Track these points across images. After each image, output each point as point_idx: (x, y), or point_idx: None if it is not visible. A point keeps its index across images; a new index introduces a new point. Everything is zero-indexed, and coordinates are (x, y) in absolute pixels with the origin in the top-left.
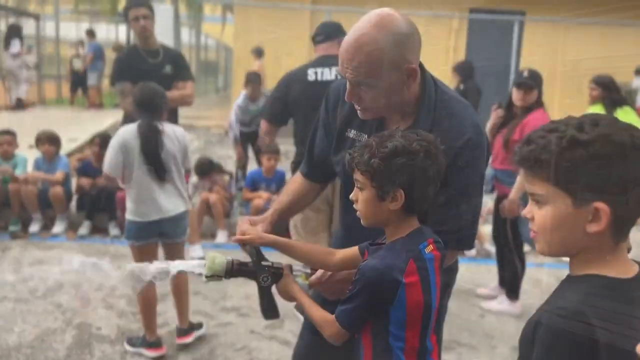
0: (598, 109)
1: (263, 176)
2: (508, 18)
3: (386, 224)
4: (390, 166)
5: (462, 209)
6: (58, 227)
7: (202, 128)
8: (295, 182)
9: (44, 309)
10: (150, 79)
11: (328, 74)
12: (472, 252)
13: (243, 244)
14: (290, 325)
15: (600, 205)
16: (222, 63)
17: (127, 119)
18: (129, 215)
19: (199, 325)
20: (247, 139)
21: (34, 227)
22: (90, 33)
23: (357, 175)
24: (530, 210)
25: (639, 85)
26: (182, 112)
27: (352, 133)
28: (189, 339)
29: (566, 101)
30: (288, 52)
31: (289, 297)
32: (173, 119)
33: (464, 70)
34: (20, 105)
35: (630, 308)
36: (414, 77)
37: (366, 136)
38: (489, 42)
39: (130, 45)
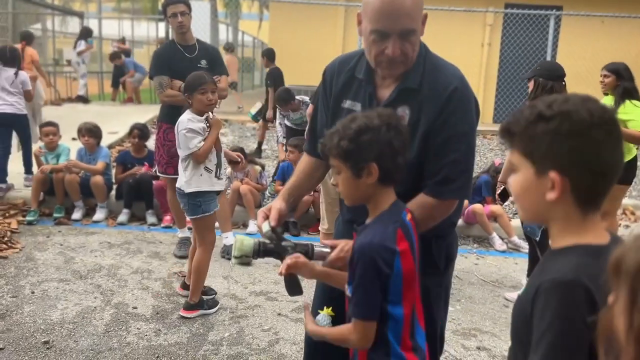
0: (609, 101)
1: (293, 168)
2: (544, 12)
3: (367, 199)
4: (359, 144)
5: (454, 157)
6: (99, 215)
7: (237, 123)
8: (302, 162)
9: (84, 289)
10: (186, 73)
11: None
12: (502, 246)
13: (272, 227)
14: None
15: (554, 174)
16: (259, 59)
17: (164, 111)
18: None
19: (210, 305)
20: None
21: (77, 215)
22: (119, 55)
23: (332, 161)
24: (511, 178)
25: None
26: (219, 107)
27: (346, 103)
28: (191, 314)
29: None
30: (323, 48)
31: (312, 275)
32: None
33: (269, 54)
34: (83, 99)
35: None
36: (424, 25)
37: (360, 105)
38: (524, 37)
39: (169, 40)
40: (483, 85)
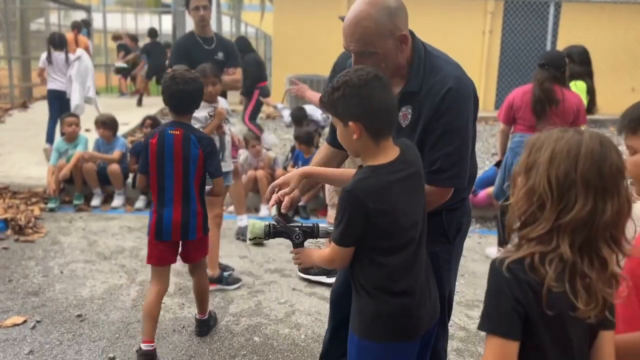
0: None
1: (304, 157)
2: (544, 0)
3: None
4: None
5: (448, 150)
6: (117, 201)
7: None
8: (320, 151)
9: (109, 269)
10: (203, 63)
11: None
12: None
13: (279, 211)
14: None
15: (352, 123)
16: (262, 50)
17: None
18: None
19: (230, 282)
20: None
21: (95, 202)
22: (134, 38)
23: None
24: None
25: None
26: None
27: None
28: (210, 287)
29: (602, 81)
30: (326, 38)
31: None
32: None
33: (242, 45)
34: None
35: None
36: (405, 43)
37: None
38: (525, 24)
39: (188, 32)
40: (485, 73)
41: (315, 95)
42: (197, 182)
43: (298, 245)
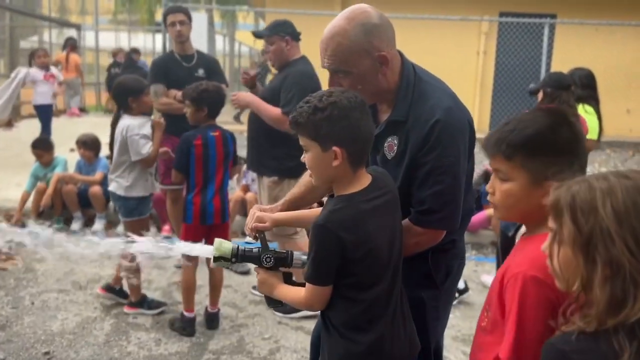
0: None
1: None
2: (538, 21)
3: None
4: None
5: (437, 189)
6: (98, 225)
7: (236, 132)
8: (303, 180)
9: (84, 299)
10: (183, 82)
11: None
12: None
13: (258, 232)
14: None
15: (336, 149)
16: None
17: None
18: None
19: (151, 306)
20: None
21: (75, 225)
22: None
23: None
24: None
25: None
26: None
27: None
28: (131, 311)
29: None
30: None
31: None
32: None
33: None
34: (83, 111)
35: None
36: (386, 65)
37: None
38: (519, 45)
39: (168, 50)
40: (479, 93)
41: (260, 103)
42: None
43: (267, 269)
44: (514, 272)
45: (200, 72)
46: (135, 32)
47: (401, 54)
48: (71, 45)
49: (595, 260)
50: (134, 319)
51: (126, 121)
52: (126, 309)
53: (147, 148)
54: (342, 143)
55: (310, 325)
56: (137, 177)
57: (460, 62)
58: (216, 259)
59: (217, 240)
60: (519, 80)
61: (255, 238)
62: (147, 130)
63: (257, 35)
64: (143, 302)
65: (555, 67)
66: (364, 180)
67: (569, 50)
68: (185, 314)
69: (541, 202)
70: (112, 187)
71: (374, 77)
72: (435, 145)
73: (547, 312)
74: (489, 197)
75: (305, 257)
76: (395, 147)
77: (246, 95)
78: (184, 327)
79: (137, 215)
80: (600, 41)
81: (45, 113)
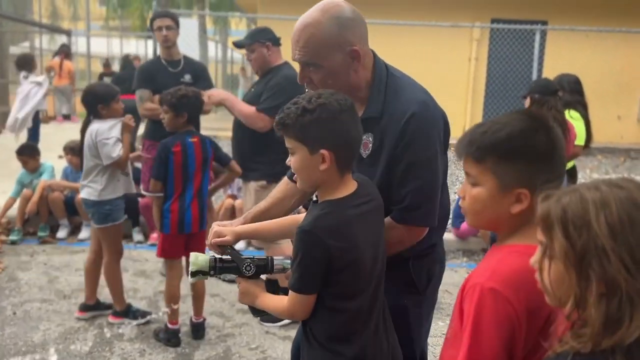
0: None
1: None
2: (529, 27)
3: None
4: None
5: (417, 184)
6: (84, 233)
7: (226, 139)
8: (278, 187)
9: (68, 309)
10: (169, 88)
11: None
12: None
13: (220, 246)
14: None
15: (325, 152)
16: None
17: (147, 127)
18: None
19: (136, 316)
20: None
21: (62, 233)
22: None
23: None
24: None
25: None
26: (207, 123)
27: None
28: (116, 321)
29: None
30: None
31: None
32: (195, 127)
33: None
34: (67, 118)
35: None
36: (358, 60)
37: None
38: (511, 51)
39: (155, 56)
40: (471, 99)
41: (237, 101)
42: (207, 178)
43: (249, 278)
44: (473, 283)
45: (187, 77)
46: (127, 38)
47: (373, 52)
48: (64, 52)
49: (590, 277)
50: (118, 330)
51: (95, 126)
52: (110, 319)
53: (117, 150)
54: (330, 146)
55: None
56: (109, 180)
57: (452, 69)
58: (194, 273)
59: (192, 254)
60: (510, 86)
61: (223, 253)
62: (117, 132)
63: (237, 45)
64: (128, 312)
65: (547, 74)
66: (351, 185)
67: (560, 56)
68: (170, 325)
69: (510, 210)
70: (84, 194)
71: (345, 72)
72: (413, 139)
73: (504, 325)
74: (460, 202)
75: (287, 262)
76: (371, 145)
77: (220, 92)
78: (169, 338)
79: (111, 221)
80: (591, 48)
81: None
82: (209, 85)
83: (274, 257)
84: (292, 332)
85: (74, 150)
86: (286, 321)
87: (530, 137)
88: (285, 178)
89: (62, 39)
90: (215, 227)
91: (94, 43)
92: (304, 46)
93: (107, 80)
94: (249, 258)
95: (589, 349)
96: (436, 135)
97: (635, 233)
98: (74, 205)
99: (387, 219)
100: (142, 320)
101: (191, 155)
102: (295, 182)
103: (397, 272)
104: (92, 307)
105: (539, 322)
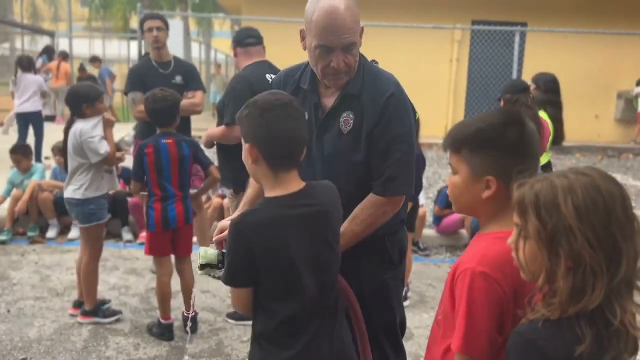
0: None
1: None
2: (509, 29)
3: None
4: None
5: (396, 157)
6: (74, 233)
7: None
8: (252, 183)
9: (61, 306)
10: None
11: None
12: None
13: (221, 242)
14: None
15: (248, 146)
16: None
17: (139, 128)
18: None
19: (106, 315)
20: None
21: (51, 233)
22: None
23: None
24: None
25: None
26: (194, 124)
27: None
28: (85, 320)
29: (566, 108)
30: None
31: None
32: (185, 128)
33: None
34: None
35: None
36: (361, 36)
37: (306, 114)
38: (491, 52)
39: (144, 57)
40: (452, 100)
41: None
42: (190, 177)
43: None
44: (464, 268)
45: (178, 79)
46: (110, 39)
47: None
48: (62, 54)
49: (559, 253)
50: (112, 325)
51: (78, 125)
52: (79, 318)
53: (104, 147)
54: (254, 142)
55: None
56: (93, 178)
57: (433, 70)
58: (202, 266)
59: (202, 249)
60: (491, 87)
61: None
62: (100, 130)
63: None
64: (97, 311)
65: (526, 74)
66: (292, 185)
67: (539, 57)
68: (162, 321)
69: (481, 196)
70: (68, 194)
71: (358, 48)
72: (393, 116)
73: (494, 305)
74: (447, 190)
75: None
76: (352, 121)
77: (205, 136)
78: (162, 332)
79: (95, 220)
80: (569, 49)
81: (35, 120)
82: (199, 85)
83: None
84: None
85: (63, 151)
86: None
87: (500, 130)
88: None
89: (43, 40)
90: (220, 223)
91: (76, 44)
92: (352, 28)
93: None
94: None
95: (557, 315)
96: (410, 113)
97: (597, 214)
98: (64, 205)
99: (370, 196)
100: (113, 319)
101: (165, 155)
102: None
103: (376, 250)
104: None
105: (522, 300)
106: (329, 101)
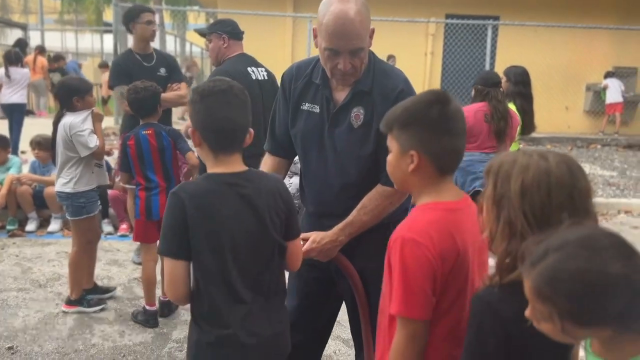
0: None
1: None
2: (482, 22)
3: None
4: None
5: None
6: (53, 226)
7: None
8: (266, 162)
9: (45, 297)
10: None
11: (258, 73)
12: None
13: None
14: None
15: (192, 130)
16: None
17: (126, 121)
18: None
19: (90, 304)
20: None
21: (31, 226)
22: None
23: None
24: None
25: (607, 85)
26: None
27: (305, 106)
28: (69, 309)
29: (537, 100)
30: (272, 58)
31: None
32: (167, 120)
33: None
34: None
35: None
36: (372, 37)
37: (318, 107)
38: (465, 45)
39: (126, 50)
40: None
41: None
42: (174, 166)
43: None
44: (395, 237)
45: (162, 71)
46: (83, 33)
47: None
48: (39, 48)
49: (500, 218)
50: (97, 314)
51: (67, 119)
52: (64, 307)
53: (94, 141)
54: (196, 126)
55: None
56: (83, 171)
57: (408, 63)
58: None
59: None
60: (465, 79)
61: None
62: (89, 124)
63: (198, 32)
64: (82, 300)
65: (499, 67)
66: (232, 167)
67: (511, 50)
68: (147, 307)
69: (408, 170)
70: (58, 187)
71: (367, 51)
72: None
73: (426, 268)
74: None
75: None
76: (362, 117)
77: (185, 126)
78: (147, 319)
79: (85, 213)
80: (540, 42)
81: (19, 112)
82: (182, 77)
83: None
84: None
85: (41, 145)
86: None
87: (423, 109)
88: (268, 153)
89: (13, 34)
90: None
91: (48, 37)
92: (359, 34)
93: (54, 76)
94: None
95: (497, 280)
96: None
97: (539, 194)
98: (43, 199)
99: (378, 186)
100: (97, 308)
101: (145, 146)
102: (277, 155)
103: (380, 238)
104: (92, 291)
105: (449, 264)
106: (340, 95)
